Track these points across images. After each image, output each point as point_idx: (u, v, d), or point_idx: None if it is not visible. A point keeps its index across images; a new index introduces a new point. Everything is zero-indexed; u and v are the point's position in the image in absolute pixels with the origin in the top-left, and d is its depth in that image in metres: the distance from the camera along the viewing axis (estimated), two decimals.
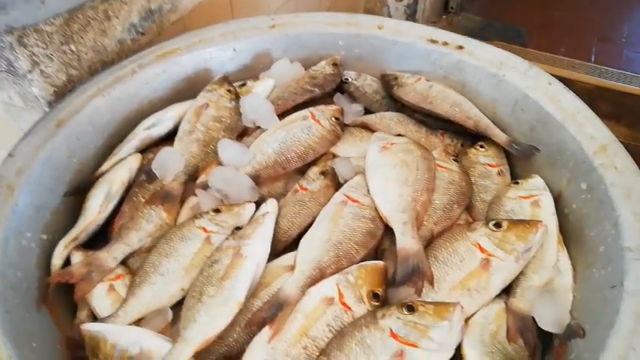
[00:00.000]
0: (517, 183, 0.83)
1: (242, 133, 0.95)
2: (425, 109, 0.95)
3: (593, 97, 2.09)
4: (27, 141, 0.80)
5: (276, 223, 0.77)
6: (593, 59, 2.27)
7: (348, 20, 1.07)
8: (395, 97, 0.99)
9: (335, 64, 1.04)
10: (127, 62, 0.95)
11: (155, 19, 1.08)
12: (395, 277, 0.69)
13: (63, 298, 0.74)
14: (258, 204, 0.80)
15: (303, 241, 0.73)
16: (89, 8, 0.91)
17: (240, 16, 1.39)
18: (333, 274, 0.69)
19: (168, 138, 0.92)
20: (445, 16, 2.51)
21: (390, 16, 2.36)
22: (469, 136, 0.96)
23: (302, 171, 0.89)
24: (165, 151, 0.86)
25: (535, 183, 0.82)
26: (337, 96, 1.03)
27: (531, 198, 0.79)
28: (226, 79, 0.97)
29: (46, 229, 0.78)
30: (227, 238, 0.73)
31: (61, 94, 0.91)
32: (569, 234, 0.76)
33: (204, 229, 0.76)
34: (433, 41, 1.02)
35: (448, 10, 2.51)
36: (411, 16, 2.32)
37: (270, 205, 0.78)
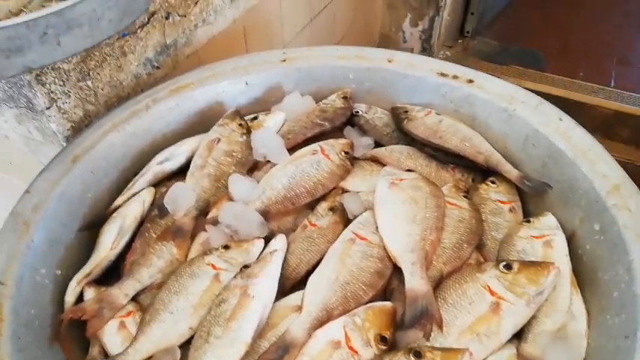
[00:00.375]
0: (529, 221, 0.82)
1: (253, 167, 0.96)
2: (435, 143, 0.95)
3: (613, 123, 2.06)
4: (43, 177, 0.82)
5: (285, 259, 0.77)
6: (612, 83, 2.25)
7: (358, 54, 1.08)
8: (404, 131, 0.99)
9: (345, 98, 1.04)
10: (141, 97, 0.97)
11: (170, 54, 1.11)
12: (403, 318, 0.69)
13: (75, 334, 0.75)
14: (267, 239, 0.80)
15: (310, 281, 0.73)
16: (105, 45, 0.94)
17: (254, 47, 1.42)
18: (340, 315, 0.69)
19: (182, 172, 0.94)
20: (461, 40, 2.51)
21: (405, 41, 2.38)
22: (480, 171, 0.95)
23: (312, 205, 0.89)
24: (177, 187, 0.87)
25: (547, 222, 0.80)
26: (347, 129, 1.04)
27: (543, 238, 0.78)
28: (238, 113, 0.99)
29: (60, 264, 0.79)
30: (235, 277, 0.74)
31: (77, 128, 0.93)
32: (582, 276, 0.75)
33: (213, 266, 0.76)
34: (443, 75, 1.02)
35: (464, 35, 2.51)
36: (426, 41, 2.33)
37: (279, 243, 0.78)
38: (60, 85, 0.87)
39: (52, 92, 0.86)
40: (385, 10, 2.33)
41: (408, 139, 1.02)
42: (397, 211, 0.80)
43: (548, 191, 0.85)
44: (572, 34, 2.58)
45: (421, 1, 2.24)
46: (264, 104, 1.08)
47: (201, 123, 1.03)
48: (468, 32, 2.52)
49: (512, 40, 2.56)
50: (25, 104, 0.88)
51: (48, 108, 0.87)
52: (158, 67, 1.08)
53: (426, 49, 2.37)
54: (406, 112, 1.01)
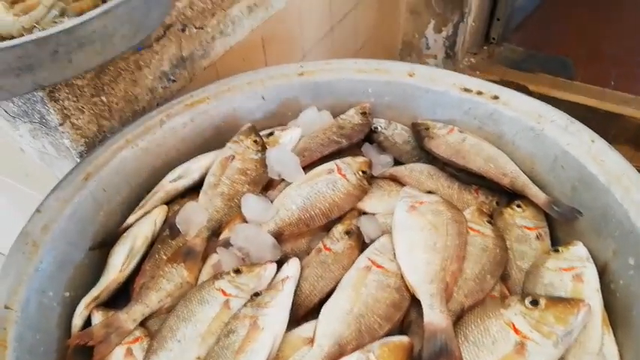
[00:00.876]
0: (557, 251, 0.77)
1: (268, 185, 0.93)
2: (457, 163, 0.90)
3: None
4: (54, 195, 0.81)
5: (298, 285, 0.75)
6: None
7: (378, 67, 1.05)
8: (425, 149, 0.95)
9: (364, 113, 1.01)
10: (155, 112, 0.96)
11: (187, 66, 1.09)
12: (421, 355, 0.65)
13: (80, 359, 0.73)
14: (281, 261, 0.78)
15: (323, 311, 0.70)
16: (120, 59, 0.92)
17: (273, 57, 1.40)
18: (353, 350, 0.65)
19: (195, 188, 0.92)
20: (486, 47, 2.44)
21: (428, 47, 2.32)
22: (505, 193, 0.91)
23: (327, 226, 0.86)
24: (189, 206, 0.85)
25: (577, 252, 0.75)
26: (366, 146, 1.01)
27: (573, 270, 0.73)
28: (253, 129, 0.96)
29: (68, 285, 0.78)
30: (245, 305, 0.71)
31: (91, 144, 0.92)
32: (615, 314, 0.70)
33: (224, 292, 0.73)
34: (467, 90, 0.98)
35: (489, 41, 2.44)
36: (450, 47, 2.27)
37: (292, 268, 0.75)
38: (73, 101, 0.86)
39: (65, 108, 0.85)
40: (408, 16, 2.28)
41: (430, 157, 0.98)
42: (416, 238, 0.76)
43: (578, 218, 0.80)
44: (602, 41, 2.49)
45: (445, 7, 2.18)
46: (280, 118, 1.06)
47: (217, 138, 1.01)
48: (493, 38, 2.45)
49: (540, 47, 2.48)
50: (38, 120, 0.87)
51: (61, 124, 0.86)
52: (174, 80, 1.06)
53: (450, 56, 2.31)
54: (427, 129, 0.97)
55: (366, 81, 1.04)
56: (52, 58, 0.71)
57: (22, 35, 0.79)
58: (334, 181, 0.87)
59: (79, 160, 0.91)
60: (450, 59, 2.33)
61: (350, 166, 0.90)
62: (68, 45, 0.71)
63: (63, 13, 0.81)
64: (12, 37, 0.80)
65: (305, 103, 1.05)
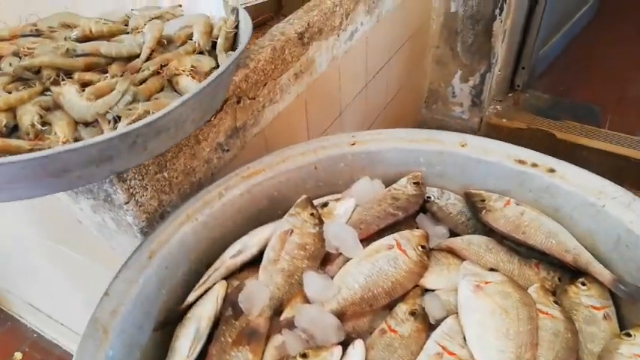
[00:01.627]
0: (629, 335, 0.76)
1: (325, 259, 0.93)
2: (517, 239, 0.90)
3: None
4: (121, 277, 0.82)
5: None
6: None
7: (429, 137, 1.06)
8: (483, 222, 0.95)
9: (417, 184, 1.02)
10: (214, 186, 0.97)
11: (239, 136, 1.11)
12: None
13: None
14: (343, 343, 0.77)
15: None
16: None
17: (313, 116, 1.43)
18: None
19: (253, 261, 0.92)
20: (511, 94, 2.47)
21: (454, 96, 2.35)
22: (566, 268, 0.90)
23: (389, 304, 0.86)
24: (251, 284, 0.85)
25: None
26: (420, 217, 1.01)
27: None
28: (310, 202, 0.97)
29: None
30: None
31: (152, 219, 0.94)
32: None
33: None
34: (521, 162, 0.98)
35: (514, 88, 2.47)
36: (476, 96, 2.30)
37: (358, 353, 0.75)
38: (139, 180, 0.88)
39: (131, 187, 0.87)
40: (434, 66, 2.32)
41: (486, 228, 0.97)
42: (486, 323, 0.75)
43: None
44: (629, 86, 2.50)
45: (472, 58, 2.22)
46: (333, 187, 1.07)
47: (270, 208, 1.02)
48: (518, 85, 2.48)
49: (565, 94, 2.50)
50: (103, 197, 0.89)
51: (126, 203, 0.87)
52: (228, 150, 1.08)
53: (477, 104, 2.34)
54: (483, 200, 0.97)
55: (418, 150, 1.05)
56: (129, 148, 0.73)
57: (96, 120, 0.82)
58: (395, 257, 0.87)
59: (139, 235, 0.93)
60: (476, 107, 2.36)
61: (409, 241, 0.90)
62: (147, 135, 0.73)
63: (135, 98, 0.84)
64: (86, 122, 0.82)
65: (357, 172, 1.06)
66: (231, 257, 0.91)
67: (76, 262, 1.15)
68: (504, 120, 2.32)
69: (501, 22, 2.08)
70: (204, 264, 0.93)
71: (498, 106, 2.41)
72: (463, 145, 1.03)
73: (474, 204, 0.98)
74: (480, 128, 2.37)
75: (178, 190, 0.98)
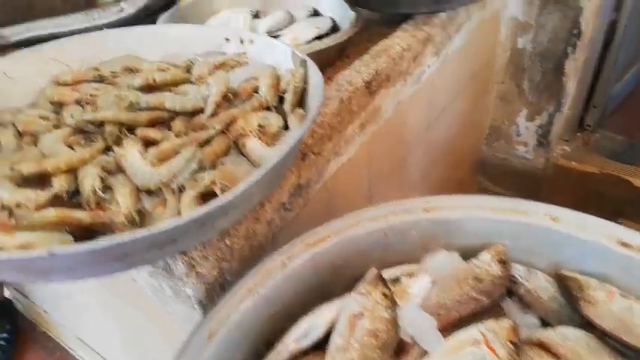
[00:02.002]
0: None
1: (398, 349, 0.83)
2: (627, 342, 0.78)
3: None
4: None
5: None
6: None
7: (514, 207, 0.95)
8: (583, 315, 0.83)
9: (502, 262, 0.90)
10: (277, 255, 0.89)
11: (302, 193, 1.03)
12: None
13: None
14: None
15: None
16: None
17: (376, 165, 1.34)
18: None
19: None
20: (580, 134, 2.30)
21: (519, 134, 2.22)
22: None
23: None
24: None
25: None
26: (506, 302, 0.89)
27: None
28: (381, 278, 0.87)
29: None
30: None
31: (211, 290, 0.87)
32: None
33: None
34: (625, 245, 0.86)
35: (584, 128, 2.30)
36: (543, 136, 2.16)
37: None
38: (200, 251, 0.81)
39: (192, 259, 0.80)
40: (498, 102, 2.19)
41: (582, 319, 0.85)
42: None
43: None
44: None
45: (540, 96, 2.09)
46: (404, 257, 0.97)
47: (335, 277, 0.93)
48: (588, 125, 2.31)
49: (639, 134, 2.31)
50: (162, 267, 0.83)
51: (186, 275, 0.81)
52: (290, 210, 1.01)
53: (543, 145, 2.19)
54: (581, 288, 0.85)
55: (501, 221, 0.94)
56: (197, 230, 0.66)
57: (159, 188, 0.76)
58: (482, 357, 0.76)
59: (197, 307, 0.86)
60: (542, 147, 2.21)
61: (497, 336, 0.79)
62: (216, 215, 0.66)
63: (200, 164, 0.78)
64: (148, 190, 0.76)
65: (431, 242, 0.96)
66: (295, 341, 0.83)
67: (126, 313, 1.10)
68: (574, 162, 2.16)
69: (575, 60, 1.94)
70: (263, 343, 0.85)
71: (566, 147, 2.24)
72: (554, 220, 0.91)
73: (569, 293, 0.86)
74: (545, 169, 2.22)
75: (239, 257, 0.91)
